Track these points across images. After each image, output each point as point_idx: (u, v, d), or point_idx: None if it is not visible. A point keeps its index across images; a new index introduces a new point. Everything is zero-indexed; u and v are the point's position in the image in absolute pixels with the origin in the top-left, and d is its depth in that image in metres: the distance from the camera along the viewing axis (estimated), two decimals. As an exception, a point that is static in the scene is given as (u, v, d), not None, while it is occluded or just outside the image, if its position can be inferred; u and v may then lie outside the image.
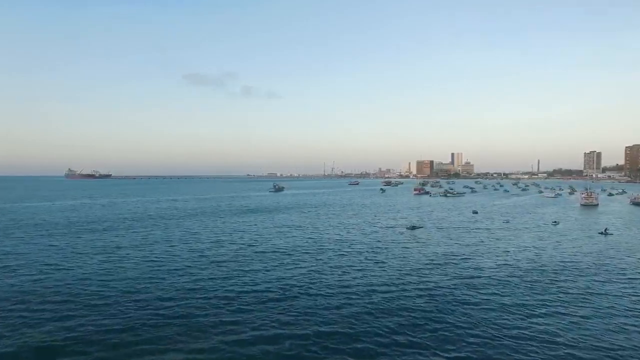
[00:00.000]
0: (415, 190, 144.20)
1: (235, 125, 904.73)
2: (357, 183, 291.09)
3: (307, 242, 40.02)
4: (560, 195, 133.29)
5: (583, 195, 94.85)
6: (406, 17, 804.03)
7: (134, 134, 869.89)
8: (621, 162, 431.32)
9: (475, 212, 73.34)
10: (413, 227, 52.12)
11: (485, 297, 21.46)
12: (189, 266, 28.59)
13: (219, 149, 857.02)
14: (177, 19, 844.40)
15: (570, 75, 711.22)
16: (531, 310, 19.74)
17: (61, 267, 28.53)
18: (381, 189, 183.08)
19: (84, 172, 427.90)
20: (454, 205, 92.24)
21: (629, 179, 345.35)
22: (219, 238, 42.20)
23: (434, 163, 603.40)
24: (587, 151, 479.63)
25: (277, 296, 21.21)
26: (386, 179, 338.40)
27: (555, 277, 25.93)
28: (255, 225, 53.84)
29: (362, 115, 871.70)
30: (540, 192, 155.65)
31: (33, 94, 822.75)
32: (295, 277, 25.29)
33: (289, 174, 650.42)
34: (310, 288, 22.86)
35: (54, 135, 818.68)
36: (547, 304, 20.67)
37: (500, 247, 37.60)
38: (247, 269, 28.00)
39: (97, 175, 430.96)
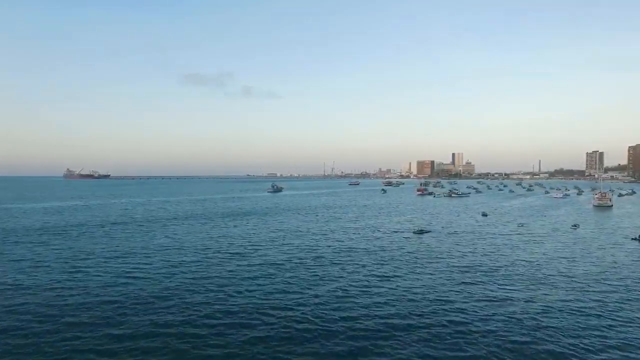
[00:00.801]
0: (418, 191, 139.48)
1: (235, 125, 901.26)
2: (357, 183, 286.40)
3: (302, 251, 35.23)
4: (569, 195, 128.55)
5: (597, 196, 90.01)
6: (406, 17, 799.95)
7: (134, 134, 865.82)
8: (623, 162, 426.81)
9: (484, 215, 68.62)
10: (421, 232, 47.41)
11: (532, 334, 16.65)
12: (159, 287, 23.76)
13: (219, 149, 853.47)
14: (176, 19, 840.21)
15: (571, 75, 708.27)
16: (595, 354, 14.96)
17: (8, 285, 23.77)
18: (382, 189, 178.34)
19: (83, 173, 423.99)
20: (460, 206, 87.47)
21: (633, 179, 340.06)
22: (204, 246, 37.38)
23: (435, 163, 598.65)
24: (590, 151, 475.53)
25: (259, 334, 16.38)
26: (387, 179, 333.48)
27: (605, 300, 21.12)
28: (247, 230, 49.05)
29: (362, 115, 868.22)
30: (547, 192, 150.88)
31: (33, 95, 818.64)
32: (284, 303, 20.44)
33: (288, 174, 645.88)
34: (304, 320, 18.05)
35: (53, 136, 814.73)
36: (612, 346, 15.84)
37: (523, 257, 32.82)
38: (227, 289, 23.21)
39: (96, 175, 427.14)
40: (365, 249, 36.32)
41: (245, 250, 35.27)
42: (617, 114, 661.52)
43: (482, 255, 33.48)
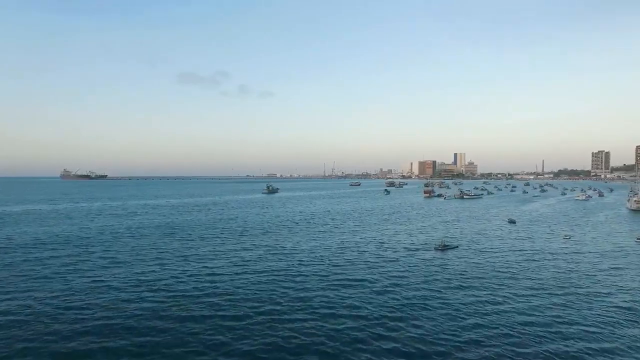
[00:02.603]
0: (425, 192, 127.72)
1: (235, 125, 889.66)
2: (358, 184, 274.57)
3: (279, 285, 23.86)
4: (591, 197, 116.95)
5: (635, 199, 78.48)
6: (408, 17, 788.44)
7: (133, 134, 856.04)
8: (628, 162, 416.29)
9: (512, 222, 57.28)
10: (444, 247, 36.23)
11: None
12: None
13: (219, 150, 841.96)
14: (171, 20, 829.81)
15: (574, 75, 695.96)
16: None
17: None
18: (385, 190, 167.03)
19: (79, 173, 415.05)
20: (476, 210, 76.00)
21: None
22: (142, 279, 26.03)
23: (437, 163, 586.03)
24: (595, 151, 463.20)
25: None
26: (389, 180, 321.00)
27: None
28: (216, 248, 37.59)
29: (363, 116, 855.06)
30: (564, 193, 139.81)
31: (31, 96, 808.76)
32: None
33: (288, 175, 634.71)
34: None
35: (52, 137, 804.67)
36: None
37: (618, 299, 21.46)
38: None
39: (93, 176, 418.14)
40: (371, 282, 24.92)
41: (198, 287, 23.88)
42: (620, 113, 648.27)
43: (549, 296, 22.08)
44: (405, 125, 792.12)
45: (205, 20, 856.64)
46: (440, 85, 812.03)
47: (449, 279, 25.48)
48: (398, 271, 27.59)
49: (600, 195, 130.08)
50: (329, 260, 31.14)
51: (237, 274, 26.77)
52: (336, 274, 26.85)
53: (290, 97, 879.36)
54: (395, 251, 35.22)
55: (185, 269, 28.26)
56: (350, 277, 25.84)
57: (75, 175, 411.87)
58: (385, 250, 35.58)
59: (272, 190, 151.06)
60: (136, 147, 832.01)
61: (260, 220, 59.12)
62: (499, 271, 27.65)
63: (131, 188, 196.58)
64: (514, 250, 35.53)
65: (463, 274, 26.72)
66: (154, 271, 27.53)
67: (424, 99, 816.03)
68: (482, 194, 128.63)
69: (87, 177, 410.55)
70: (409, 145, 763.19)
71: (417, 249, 36.12)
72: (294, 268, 28.43)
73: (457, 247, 37.16)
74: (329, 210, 75.99)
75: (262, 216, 65.35)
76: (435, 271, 27.53)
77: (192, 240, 41.04)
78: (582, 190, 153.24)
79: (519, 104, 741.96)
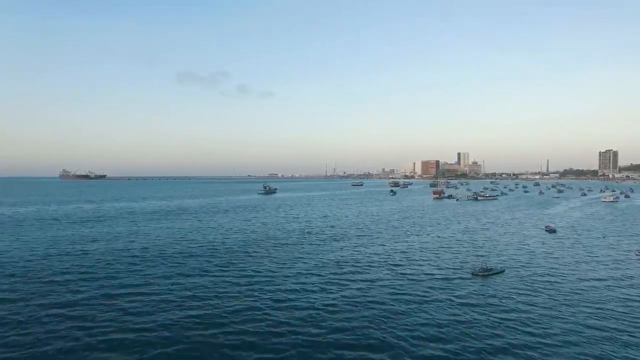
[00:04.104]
0: (434, 193, 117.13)
1: (236, 126, 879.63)
2: (360, 184, 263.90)
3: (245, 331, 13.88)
4: (619, 198, 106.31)
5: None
6: (410, 17, 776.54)
7: (133, 134, 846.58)
8: (634, 161, 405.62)
9: (551, 231, 47.05)
10: (486, 272, 26.15)
11: None
12: None
13: (219, 150, 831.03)
14: (170, 20, 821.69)
15: (574, 75, 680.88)
16: None
17: None
18: (391, 190, 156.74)
19: (78, 173, 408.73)
20: (499, 215, 65.16)
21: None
22: (12, 338, 16.06)
23: (440, 163, 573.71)
24: (603, 150, 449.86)
25: None
26: (393, 180, 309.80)
27: None
28: (164, 281, 27.51)
29: (363, 116, 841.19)
30: (584, 194, 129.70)
31: (31, 96, 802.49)
32: None
33: (290, 175, 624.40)
34: None
35: (51, 137, 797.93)
36: None
37: None
38: None
39: (92, 176, 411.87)
40: (389, 356, 14.75)
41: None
42: (620, 113, 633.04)
43: None
44: (406, 125, 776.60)
45: (205, 20, 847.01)
46: (440, 85, 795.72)
47: (521, 346, 15.14)
48: (426, 326, 17.31)
49: (626, 196, 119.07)
50: (322, 300, 20.94)
51: (169, 338, 16.51)
52: (329, 339, 16.47)
53: (290, 97, 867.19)
54: (417, 281, 24.95)
55: (101, 315, 18.12)
56: (352, 346, 15.54)
57: (75, 175, 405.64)
58: (402, 279, 25.33)
59: (269, 191, 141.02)
60: (136, 147, 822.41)
61: (244, 229, 48.98)
62: (587, 324, 17.36)
63: (124, 188, 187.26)
64: (585, 281, 25.20)
65: (536, 330, 16.46)
66: (56, 308, 17.48)
67: (424, 99, 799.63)
68: (497, 195, 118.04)
69: (86, 177, 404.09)
70: (410, 145, 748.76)
71: (447, 277, 25.85)
72: (270, 318, 18.15)
73: (503, 271, 26.94)
74: (327, 216, 65.58)
75: (250, 223, 55.17)
76: (488, 327, 17.17)
77: (145, 260, 30.88)
78: (601, 190, 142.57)
79: (519, 104, 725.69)
